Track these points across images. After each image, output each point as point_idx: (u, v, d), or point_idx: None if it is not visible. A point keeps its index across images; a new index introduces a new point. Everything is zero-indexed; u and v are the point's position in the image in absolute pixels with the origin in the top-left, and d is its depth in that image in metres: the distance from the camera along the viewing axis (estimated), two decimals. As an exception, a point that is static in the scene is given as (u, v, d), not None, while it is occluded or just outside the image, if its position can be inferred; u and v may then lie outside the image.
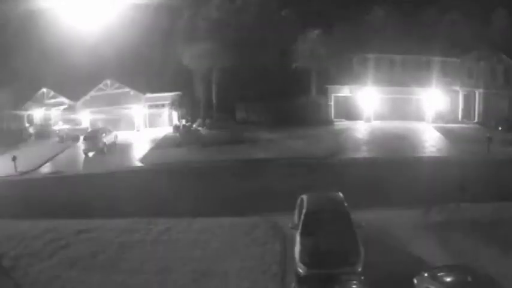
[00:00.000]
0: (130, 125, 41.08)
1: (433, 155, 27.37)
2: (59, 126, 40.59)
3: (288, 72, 37.76)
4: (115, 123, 38.99)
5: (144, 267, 12.85)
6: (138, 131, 40.98)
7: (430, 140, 31.52)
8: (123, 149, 33.83)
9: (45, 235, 15.22)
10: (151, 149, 32.68)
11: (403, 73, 38.71)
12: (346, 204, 13.19)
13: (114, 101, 40.60)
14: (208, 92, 40.83)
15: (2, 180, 26.18)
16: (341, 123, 39.03)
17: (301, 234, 12.06)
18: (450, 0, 37.77)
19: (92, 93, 41.30)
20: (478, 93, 36.81)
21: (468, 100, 38.16)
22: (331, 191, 14.46)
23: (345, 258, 11.09)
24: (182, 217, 16.53)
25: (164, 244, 14.33)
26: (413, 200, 16.73)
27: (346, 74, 39.53)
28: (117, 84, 41.11)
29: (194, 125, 39.48)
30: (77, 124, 40.31)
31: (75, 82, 39.53)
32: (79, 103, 41.64)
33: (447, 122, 36.85)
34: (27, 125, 41.82)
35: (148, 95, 41.66)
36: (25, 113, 41.78)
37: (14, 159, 27.58)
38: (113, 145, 33.98)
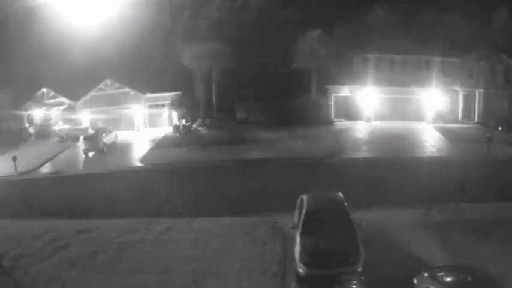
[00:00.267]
0: (130, 125, 41.08)
1: (433, 155, 27.38)
2: (59, 126, 40.59)
3: (288, 72, 37.76)
4: (115, 123, 38.99)
5: (144, 267, 12.85)
6: (138, 131, 40.99)
7: (430, 140, 31.52)
8: (123, 149, 33.83)
9: (45, 235, 15.21)
10: (151, 149, 32.68)
11: (403, 73, 38.71)
12: (346, 204, 13.18)
13: (114, 101, 40.61)
14: (208, 92, 40.84)
15: (2, 180, 26.17)
16: (341, 123, 39.03)
17: (301, 234, 12.05)
18: (450, 0, 37.76)
19: (92, 93, 41.31)
20: (478, 93, 36.81)
21: (468, 100, 38.16)
22: (331, 191, 14.46)
23: (345, 258, 11.08)
24: (182, 217, 16.54)
25: (164, 244, 14.33)
26: (414, 200, 16.72)
27: (346, 74, 39.53)
28: (117, 84, 41.12)
29: (194, 125, 39.48)
30: (77, 124, 40.29)
31: (75, 82, 39.52)
32: (79, 103, 41.65)
33: (447, 122, 36.86)
34: (27, 125, 41.82)
35: (148, 95, 41.67)
36: (25, 113, 41.79)
37: (14, 159, 27.58)
38: (113, 145, 33.99)
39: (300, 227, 12.36)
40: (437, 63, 38.30)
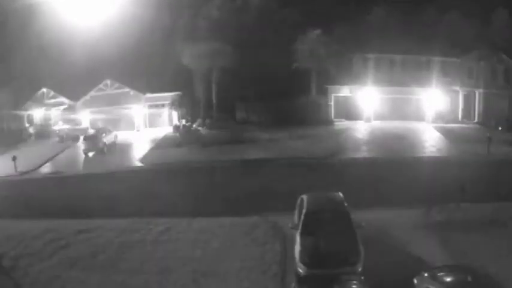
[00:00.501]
0: (130, 125, 41.10)
1: (433, 155, 27.37)
2: (59, 126, 40.61)
3: (288, 72, 37.75)
4: (115, 123, 39.01)
5: (144, 267, 12.85)
6: (138, 131, 41.00)
7: (430, 140, 31.52)
8: (123, 149, 33.84)
9: (45, 235, 15.21)
10: (151, 149, 32.69)
11: (403, 73, 38.71)
12: (346, 204, 13.18)
13: (114, 101, 40.63)
14: (208, 92, 40.84)
15: (2, 180, 26.18)
16: (341, 123, 39.03)
17: (301, 234, 12.05)
18: (450, 0, 37.78)
19: (92, 93, 41.33)
20: (478, 93, 36.82)
21: (468, 100, 38.16)
22: (331, 191, 14.45)
23: (345, 258, 11.08)
24: (182, 217, 16.53)
25: (164, 244, 14.33)
26: (414, 200, 16.72)
27: (346, 74, 39.53)
28: (117, 84, 41.14)
29: (194, 125, 39.49)
30: (77, 124, 40.31)
31: (75, 82, 39.54)
32: (79, 103, 41.67)
33: (447, 122, 36.86)
34: (27, 125, 41.84)
35: (148, 95, 41.68)
36: (25, 113, 41.81)
37: (14, 159, 27.59)
38: (113, 145, 34.00)
39: (300, 227, 12.36)
40: (437, 63, 38.30)
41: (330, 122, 39.34)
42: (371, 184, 20.21)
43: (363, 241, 11.83)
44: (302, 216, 12.64)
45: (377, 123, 38.10)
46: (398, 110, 38.53)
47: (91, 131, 35.64)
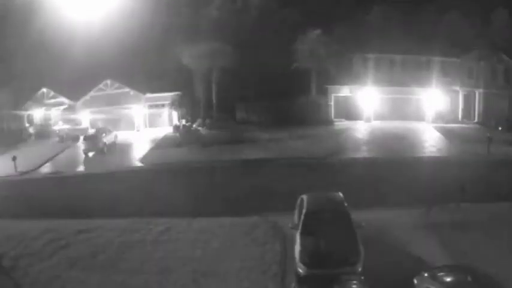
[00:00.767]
0: (130, 125, 41.11)
1: (433, 155, 27.37)
2: (59, 126, 40.62)
3: (288, 72, 37.77)
4: (115, 123, 39.03)
5: (144, 267, 12.85)
6: (138, 131, 41.01)
7: (430, 140, 31.52)
8: (123, 149, 33.84)
9: (45, 235, 15.21)
10: (151, 149, 32.69)
11: (403, 73, 38.71)
12: (346, 204, 13.18)
13: (114, 101, 40.65)
14: (208, 92, 40.84)
15: (2, 180, 26.17)
16: (341, 123, 39.04)
17: (301, 234, 12.05)
18: (450, 0, 37.78)
19: (92, 93, 41.35)
20: (478, 93, 36.82)
21: (468, 100, 38.16)
22: (331, 191, 14.45)
23: (345, 258, 11.08)
24: (182, 217, 16.53)
25: (164, 244, 14.32)
26: (414, 200, 16.72)
27: (346, 74, 39.53)
28: (117, 84, 41.15)
29: (194, 125, 39.49)
30: (77, 124, 40.33)
31: (75, 82, 39.54)
32: (79, 103, 41.69)
33: (447, 122, 36.86)
34: (27, 125, 41.85)
35: (148, 95, 41.68)
36: (25, 113, 41.82)
37: (14, 159, 27.59)
38: (113, 145, 34.00)
39: (300, 227, 12.36)
40: (437, 63, 38.31)
41: (330, 122, 39.34)
42: (371, 184, 20.21)
43: (363, 241, 11.83)
44: (302, 216, 12.64)
45: (377, 123, 38.10)
46: (398, 110, 38.52)
47: (91, 131, 35.66)
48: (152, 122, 42.23)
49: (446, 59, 37.94)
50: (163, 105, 42.14)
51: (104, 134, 33.18)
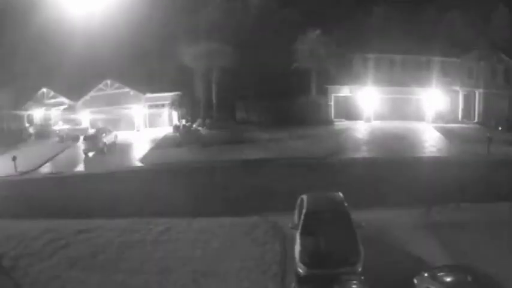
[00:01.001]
0: (130, 125, 41.11)
1: (433, 155, 27.37)
2: (59, 126, 40.63)
3: (288, 72, 37.77)
4: (115, 123, 39.03)
5: (144, 267, 12.85)
6: (138, 131, 41.01)
7: (430, 140, 31.53)
8: (123, 149, 33.84)
9: (45, 235, 15.21)
10: (151, 149, 32.69)
11: (403, 73, 38.70)
12: (346, 204, 13.18)
13: (114, 101, 40.65)
14: (208, 92, 40.84)
15: (2, 180, 26.18)
16: (341, 123, 39.04)
17: (301, 234, 12.05)
18: (450, 0, 37.77)
19: (92, 93, 41.35)
20: (478, 93, 36.81)
21: (468, 100, 38.16)
22: (331, 191, 14.45)
23: (345, 258, 11.08)
24: (182, 217, 16.53)
25: (164, 244, 14.32)
26: (414, 200, 16.73)
27: (346, 74, 39.53)
28: (117, 84, 41.15)
29: (194, 125, 39.49)
30: (77, 124, 40.33)
31: (75, 82, 39.56)
32: (79, 103, 41.69)
33: (447, 122, 36.86)
34: (27, 125, 41.84)
35: (148, 95, 41.69)
36: (25, 113, 41.81)
37: (14, 159, 27.59)
38: (113, 145, 34.01)
39: (300, 227, 12.36)
40: (437, 63, 38.30)
41: (330, 122, 39.34)
42: (371, 184, 20.21)
43: (363, 241, 11.83)
44: (302, 216, 12.64)
45: (377, 123, 38.10)
46: (398, 110, 38.52)
47: (91, 131, 35.67)
48: (152, 122, 42.22)
49: (446, 59, 37.92)
50: (163, 105, 42.14)
51: (104, 134, 33.18)
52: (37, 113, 42.68)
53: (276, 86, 38.18)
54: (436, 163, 24.83)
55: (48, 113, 43.02)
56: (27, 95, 41.59)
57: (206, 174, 25.39)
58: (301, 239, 11.91)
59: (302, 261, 11.26)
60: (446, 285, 9.35)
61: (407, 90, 38.21)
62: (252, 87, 39.04)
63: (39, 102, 42.37)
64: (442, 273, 9.87)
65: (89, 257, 13.59)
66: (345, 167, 24.87)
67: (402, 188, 18.83)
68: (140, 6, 36.94)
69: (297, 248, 11.74)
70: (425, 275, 10.02)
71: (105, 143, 32.39)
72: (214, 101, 40.96)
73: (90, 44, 36.15)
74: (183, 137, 34.38)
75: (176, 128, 38.39)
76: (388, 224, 14.69)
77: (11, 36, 37.42)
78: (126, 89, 41.23)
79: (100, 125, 38.10)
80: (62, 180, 25.85)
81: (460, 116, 38.61)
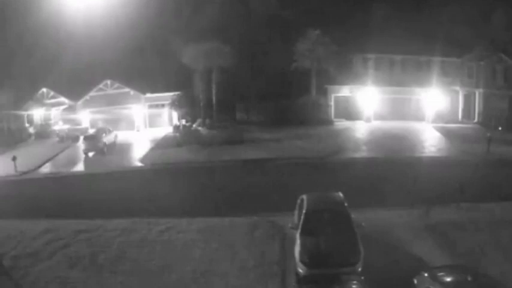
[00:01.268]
0: (130, 125, 41.12)
1: (433, 155, 27.37)
2: (59, 126, 40.63)
3: (288, 72, 37.75)
4: (115, 123, 39.00)
5: (144, 267, 12.85)
6: (138, 131, 41.02)
7: (430, 140, 31.53)
8: (123, 149, 33.84)
9: (45, 235, 15.21)
10: (151, 149, 32.68)
11: (403, 73, 38.73)
12: (346, 204, 13.18)
13: (114, 101, 40.67)
14: (208, 92, 40.78)
15: (2, 180, 26.17)
16: (341, 123, 39.03)
17: (301, 234, 12.05)
18: (450, 0, 37.75)
19: (92, 93, 41.37)
20: (478, 93, 36.80)
21: (468, 100, 38.16)
22: (331, 191, 14.46)
23: (345, 258, 11.08)
24: (182, 217, 16.53)
25: (164, 244, 14.32)
26: (414, 200, 16.73)
27: (346, 74, 39.53)
28: (117, 84, 41.18)
29: (194, 125, 39.47)
30: (77, 124, 40.34)
31: (75, 82, 39.56)
32: (79, 103, 41.69)
33: (447, 122, 36.86)
34: (27, 125, 41.82)
35: (148, 95, 41.70)
36: (25, 113, 41.78)
37: (14, 159, 27.58)
38: (113, 145, 34.01)
39: (300, 227, 12.36)
40: (437, 63, 38.31)
41: (330, 122, 39.34)
42: (371, 184, 20.22)
43: (363, 241, 11.82)
44: (302, 216, 12.64)
45: (377, 123, 38.10)
46: (398, 110, 38.53)
47: (91, 131, 35.67)
48: (152, 122, 42.23)
49: (446, 59, 37.94)
50: (163, 105, 42.12)
51: (104, 134, 33.17)
52: (37, 113, 42.66)
53: (276, 86, 38.19)
54: (436, 163, 24.84)
55: (48, 113, 43.03)
56: (27, 95, 41.57)
57: (206, 174, 25.39)
58: (301, 239, 11.91)
59: (302, 261, 11.26)
60: (446, 285, 9.35)
61: (407, 90, 38.23)
62: (252, 87, 39.04)
63: (39, 102, 42.37)
64: (442, 273, 9.87)
65: (89, 257, 13.58)
66: (345, 167, 24.89)
67: (402, 188, 18.82)
68: (140, 6, 36.94)
69: (297, 248, 11.74)
70: (425, 275, 10.02)
71: (105, 143, 32.37)
72: (214, 101, 40.90)
73: (90, 44, 36.18)
74: (183, 137, 34.35)
75: (176, 128, 38.38)
76: (388, 224, 14.70)
77: (11, 36, 37.43)
78: (126, 89, 41.25)
79: (100, 125, 38.10)
80: (62, 180, 25.86)
81: (460, 116, 38.61)
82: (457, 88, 38.51)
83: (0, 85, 35.84)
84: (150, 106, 42.18)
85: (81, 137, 34.04)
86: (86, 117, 41.05)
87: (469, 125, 36.37)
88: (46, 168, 29.44)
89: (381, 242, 13.28)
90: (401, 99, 38.86)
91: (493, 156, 25.25)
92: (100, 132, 33.45)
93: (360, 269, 10.98)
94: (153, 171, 27.07)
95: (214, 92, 40.54)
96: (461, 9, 36.99)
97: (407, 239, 13.64)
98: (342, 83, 39.92)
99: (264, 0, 40.22)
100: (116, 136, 35.34)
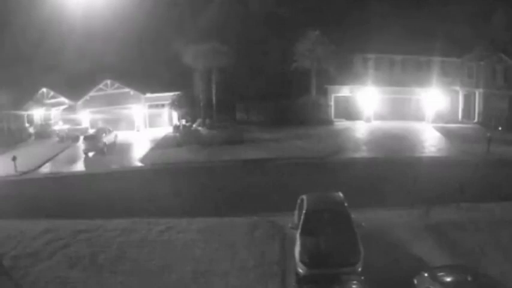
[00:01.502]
0: (130, 125, 41.12)
1: (433, 155, 27.37)
2: (59, 126, 40.63)
3: (288, 72, 37.74)
4: (115, 123, 39.01)
5: (144, 267, 12.85)
6: (138, 131, 41.02)
7: (430, 140, 31.54)
8: (123, 149, 33.84)
9: (45, 235, 15.21)
10: (151, 149, 32.68)
11: (403, 73, 38.73)
12: (346, 204, 13.18)
13: (114, 101, 40.68)
14: (208, 92, 40.79)
15: (2, 180, 26.17)
16: (341, 123, 39.03)
17: (301, 234, 12.05)
18: (450, 1, 37.75)
19: (92, 93, 41.37)
20: (478, 93, 36.80)
21: (468, 100, 38.16)
22: (331, 191, 14.46)
23: (345, 258, 11.08)
24: (182, 217, 16.53)
25: (164, 244, 14.32)
26: (414, 200, 16.72)
27: (346, 74, 39.53)
28: (117, 84, 41.17)
29: (194, 125, 39.47)
30: (77, 124, 40.34)
31: (75, 82, 39.55)
32: (79, 103, 41.69)
33: (447, 122, 36.86)
34: (27, 125, 41.83)
35: (148, 95, 41.70)
36: (25, 113, 41.79)
37: (14, 159, 27.58)
38: (113, 145, 34.01)
39: (300, 227, 12.36)
40: (437, 63, 38.30)
41: (330, 122, 39.34)
42: (371, 184, 20.22)
43: (363, 241, 11.82)
44: (302, 216, 12.64)
45: (377, 123, 38.10)
46: (398, 110, 38.54)
47: (91, 131, 35.66)
48: (152, 122, 42.23)
49: (446, 59, 37.94)
50: (163, 105, 42.11)
51: (104, 134, 33.17)
52: (37, 113, 42.66)
53: (276, 86, 38.21)
54: (436, 163, 24.84)
55: (48, 113, 43.02)
56: (27, 95, 41.56)
57: (206, 174, 25.40)
58: (301, 239, 11.91)
59: (302, 261, 11.26)
60: (446, 285, 9.35)
61: (407, 90, 38.23)
62: (252, 87, 39.04)
63: (39, 102, 42.36)
64: (442, 273, 9.87)
65: (89, 257, 13.58)
66: (345, 167, 24.89)
67: (402, 188, 18.82)
68: (141, 6, 36.95)
69: (297, 248, 11.74)
70: (425, 275, 10.02)
71: (105, 143, 32.37)
72: (214, 101, 40.93)
73: (91, 44, 36.16)
74: (183, 137, 34.35)
75: (176, 128, 38.38)
76: (388, 224, 14.70)
77: (11, 36, 37.42)
78: (126, 89, 41.25)
79: (100, 125, 38.11)
80: (62, 180, 25.86)
81: (460, 116, 38.61)
82: (457, 88, 38.51)
83: (0, 85, 35.86)
84: (150, 106, 42.18)
85: (81, 137, 34.05)
86: (86, 117, 41.05)
87: (469, 125, 36.37)
88: (46, 168, 29.44)
89: (381, 242, 13.28)
90: (401, 99, 38.87)
91: (493, 156, 25.26)
92: (100, 132, 33.45)
93: (360, 269, 10.97)
94: (153, 171, 27.07)
95: (214, 92, 40.54)
96: (461, 8, 37.01)
97: (407, 239, 13.64)
98: (342, 83, 39.92)
99: (264, 0, 40.25)
100: (115, 136, 35.35)
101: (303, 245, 11.66)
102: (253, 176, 23.90)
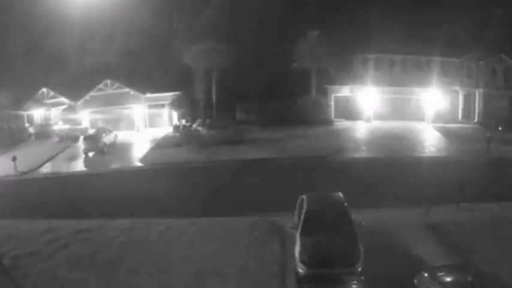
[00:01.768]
0: (130, 125, 41.12)
1: (433, 154, 27.39)
2: (59, 126, 40.62)
3: (288, 72, 37.75)
4: (115, 123, 39.01)
5: (144, 267, 12.83)
6: (138, 131, 41.01)
7: (430, 139, 31.55)
8: (123, 149, 33.85)
9: (45, 235, 15.19)
10: (151, 149, 32.70)
11: (403, 73, 38.74)
12: (346, 204, 13.17)
13: (114, 101, 40.67)
14: (208, 92, 40.83)
15: (2, 180, 26.18)
16: (341, 123, 39.05)
17: (301, 234, 12.04)
18: (450, 1, 37.75)
19: (92, 93, 41.36)
20: (478, 93, 36.80)
21: (468, 100, 38.15)
22: (331, 191, 14.45)
23: (345, 258, 11.07)
24: (182, 217, 16.53)
25: (164, 244, 14.31)
26: (414, 200, 16.72)
27: (346, 74, 39.56)
28: (117, 84, 41.16)
29: (194, 125, 39.48)
30: (77, 124, 40.34)
31: (75, 82, 39.56)
32: (79, 103, 41.69)
33: (447, 122, 36.87)
34: (27, 125, 41.83)
35: (148, 95, 41.70)
36: (25, 113, 41.79)
37: (14, 159, 27.59)
38: (113, 145, 34.02)
39: (300, 227, 12.35)
40: (437, 63, 38.30)
41: (330, 122, 39.35)
42: (371, 184, 20.21)
43: (363, 241, 11.82)
44: (302, 216, 12.63)
45: (377, 123, 38.12)
46: (398, 110, 38.55)
47: (91, 131, 35.66)
48: (152, 122, 42.23)
49: (446, 59, 37.93)
50: (163, 105, 42.11)
51: (104, 134, 33.19)
52: (37, 113, 42.66)
53: (276, 86, 38.19)
54: (436, 163, 24.85)
55: (48, 113, 43.02)
56: (27, 95, 41.57)
57: (206, 174, 25.42)
58: (301, 239, 11.90)
59: (302, 261, 11.25)
60: (446, 285, 9.34)
61: (407, 90, 38.24)
62: (252, 87, 39.04)
63: (39, 102, 42.36)
64: (442, 273, 9.86)
65: (89, 257, 13.57)
66: (345, 167, 24.89)
67: (402, 188, 18.83)
68: (141, 6, 36.95)
69: (297, 248, 11.73)
70: (425, 275, 10.01)
71: (105, 143, 32.39)
72: (214, 101, 40.97)
73: (91, 44, 36.17)
74: (183, 137, 34.36)
75: (176, 128, 38.38)
76: (388, 224, 14.69)
77: (11, 36, 37.43)
78: (126, 89, 41.24)
79: (100, 125, 38.10)
80: (62, 180, 25.87)
81: (460, 116, 38.61)
82: (457, 88, 38.52)
83: (0, 85, 35.87)
84: (150, 106, 42.18)
85: (81, 137, 34.05)
86: (86, 117, 41.05)
87: (469, 125, 36.37)
88: (46, 168, 29.45)
89: (381, 241, 13.28)
90: (401, 99, 38.87)
91: (493, 156, 25.27)
92: (100, 132, 33.47)
93: (360, 269, 10.96)
94: (153, 171, 27.09)
95: (214, 92, 40.60)
96: (461, 9, 37.01)
97: (407, 239, 13.63)
98: (342, 83, 39.93)
99: (264, 0, 40.24)
100: (115, 136, 35.36)
101: (303, 245, 11.65)
102: (254, 176, 23.89)
